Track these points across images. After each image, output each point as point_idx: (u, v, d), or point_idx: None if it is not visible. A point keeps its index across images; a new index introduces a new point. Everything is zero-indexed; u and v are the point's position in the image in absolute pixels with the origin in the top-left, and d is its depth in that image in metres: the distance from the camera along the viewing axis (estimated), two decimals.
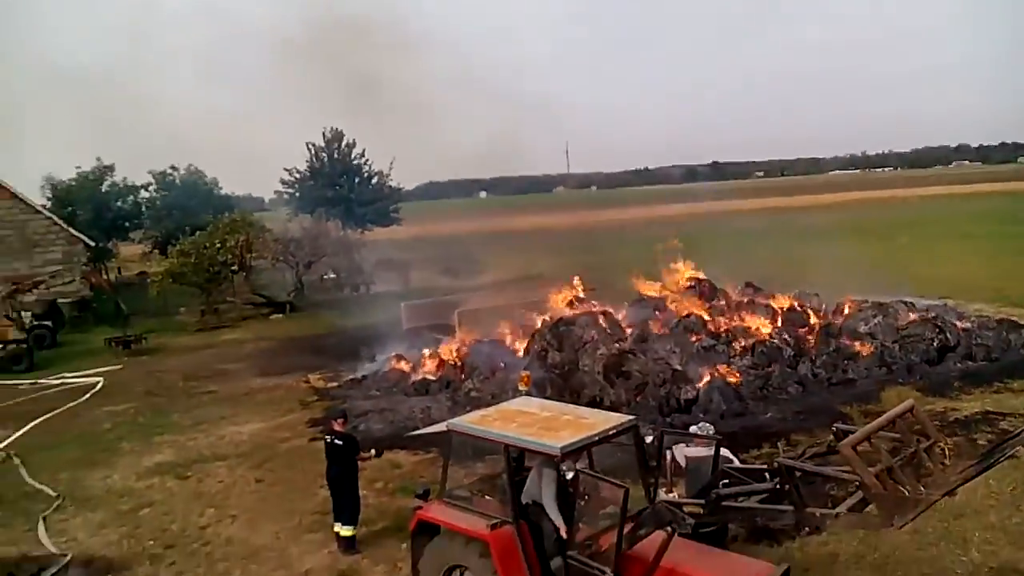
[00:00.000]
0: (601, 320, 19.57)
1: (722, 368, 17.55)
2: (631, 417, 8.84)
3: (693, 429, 10.01)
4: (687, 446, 9.62)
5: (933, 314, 21.14)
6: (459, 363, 20.14)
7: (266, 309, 35.86)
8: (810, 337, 20.07)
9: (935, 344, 19.53)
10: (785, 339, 19.41)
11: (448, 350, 21.10)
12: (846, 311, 21.93)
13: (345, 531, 11.13)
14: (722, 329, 19.96)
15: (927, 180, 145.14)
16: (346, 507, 11.17)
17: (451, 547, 8.40)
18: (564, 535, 7.85)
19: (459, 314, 25.13)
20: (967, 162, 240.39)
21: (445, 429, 9.06)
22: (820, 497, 7.85)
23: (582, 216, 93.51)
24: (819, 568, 9.76)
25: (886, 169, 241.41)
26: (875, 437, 6.73)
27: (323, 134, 50.47)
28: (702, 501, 7.57)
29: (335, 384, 21.12)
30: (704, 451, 9.31)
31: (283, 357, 25.48)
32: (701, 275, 23.71)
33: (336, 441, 11.29)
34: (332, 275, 41.37)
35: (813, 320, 21.15)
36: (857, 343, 19.74)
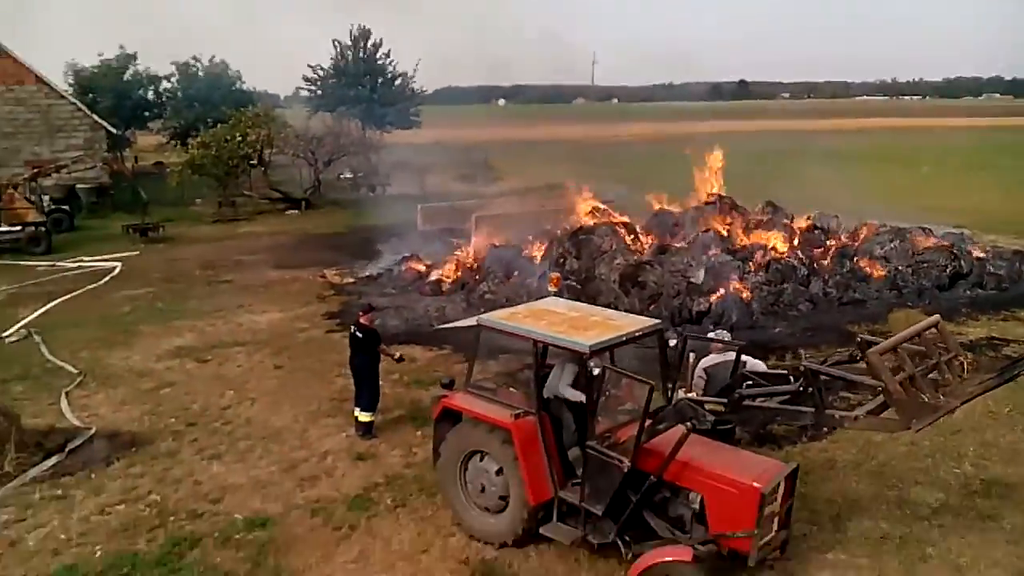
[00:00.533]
0: (621, 231, 19.61)
1: (736, 283, 17.70)
2: (657, 321, 9.06)
3: (712, 335, 10.22)
4: (708, 356, 9.84)
5: (949, 242, 21.12)
6: (475, 266, 20.34)
7: (282, 205, 35.99)
8: (825, 258, 20.14)
9: (948, 271, 19.61)
10: (800, 258, 19.49)
11: (465, 253, 21.29)
12: (863, 234, 21.91)
13: (364, 416, 11.52)
14: (739, 245, 20.04)
15: (956, 110, 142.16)
16: (365, 394, 11.55)
17: (473, 434, 8.72)
18: (583, 401, 8.18)
19: (476, 219, 25.24)
20: (997, 95, 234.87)
21: (475, 324, 9.26)
22: (837, 403, 8.05)
23: (602, 129, 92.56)
24: (818, 472, 10.10)
25: (915, 97, 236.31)
26: (899, 348, 6.91)
27: (350, 32, 49.66)
28: (724, 400, 7.79)
29: (351, 280, 21.40)
30: (721, 358, 9.56)
31: (299, 252, 25.74)
32: (723, 192, 23.61)
33: (357, 333, 11.62)
34: (350, 175, 41.32)
35: (830, 242, 21.17)
36: (871, 266, 19.84)
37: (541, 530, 8.42)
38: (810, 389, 7.40)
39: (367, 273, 21.82)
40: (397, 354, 12.39)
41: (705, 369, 9.73)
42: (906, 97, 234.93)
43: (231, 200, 35.16)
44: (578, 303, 10.40)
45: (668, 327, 15.77)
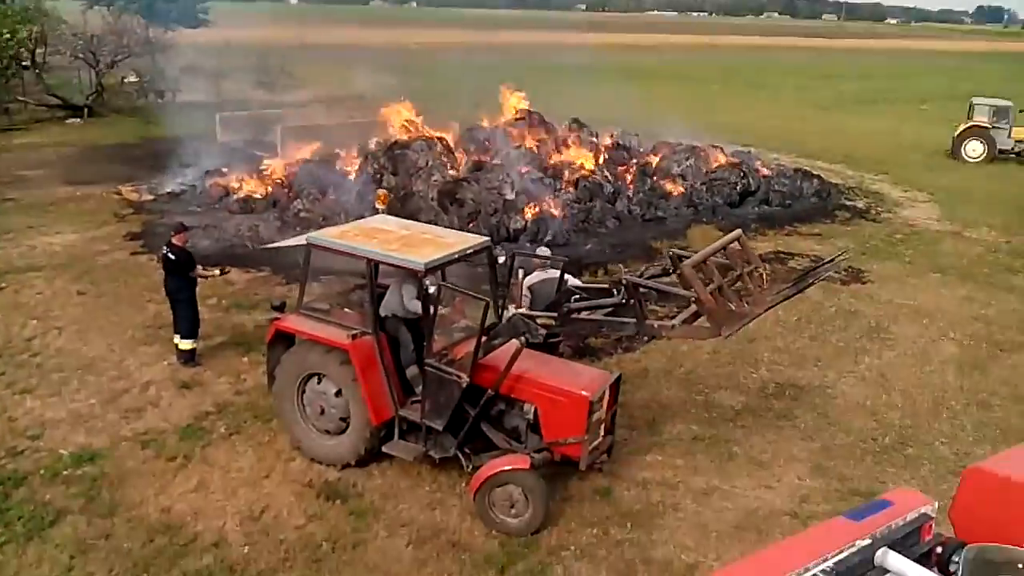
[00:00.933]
0: (437, 146, 19.65)
1: (549, 200, 18.34)
2: (486, 238, 9.35)
3: (541, 250, 10.69)
4: (532, 274, 10.28)
5: (738, 160, 22.82)
6: (287, 182, 19.77)
7: (61, 112, 32.78)
8: (628, 175, 21.21)
9: (738, 188, 21.24)
10: (607, 176, 20.43)
11: (274, 167, 20.60)
12: (661, 153, 23.18)
13: (184, 344, 11.16)
14: (550, 163, 20.68)
15: (741, 29, 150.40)
16: (184, 320, 11.17)
17: (310, 356, 8.71)
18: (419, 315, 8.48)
19: (282, 130, 24.37)
20: (776, 14, 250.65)
21: (304, 242, 9.10)
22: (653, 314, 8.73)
23: (403, 34, 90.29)
24: (633, 380, 10.97)
25: (703, 14, 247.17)
26: (708, 261, 7.59)
27: None
28: (554, 314, 8.21)
29: (150, 197, 20.11)
30: (544, 275, 10.05)
31: (88, 165, 23.78)
32: (530, 107, 24.08)
33: (170, 255, 11.13)
34: (135, 79, 38.15)
35: (632, 160, 22.27)
36: (669, 183, 21.13)
37: (384, 448, 8.67)
38: (631, 301, 8.00)
39: (168, 189, 20.58)
40: (215, 271, 12.01)
41: (530, 287, 10.20)
42: (694, 13, 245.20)
43: (3, 107, 31.60)
44: (408, 221, 10.41)
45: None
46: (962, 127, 30.15)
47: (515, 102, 23.97)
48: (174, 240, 11.28)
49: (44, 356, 11.31)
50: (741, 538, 8.02)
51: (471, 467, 8.33)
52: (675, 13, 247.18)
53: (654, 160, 22.60)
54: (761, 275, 8.04)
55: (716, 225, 19.15)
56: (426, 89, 32.44)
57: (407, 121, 22.06)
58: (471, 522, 8.12)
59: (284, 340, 9.09)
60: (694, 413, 10.37)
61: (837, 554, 3.03)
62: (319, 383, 8.79)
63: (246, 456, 9.06)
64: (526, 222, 17.31)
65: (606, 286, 9.24)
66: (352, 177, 19.30)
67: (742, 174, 21.54)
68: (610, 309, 8.31)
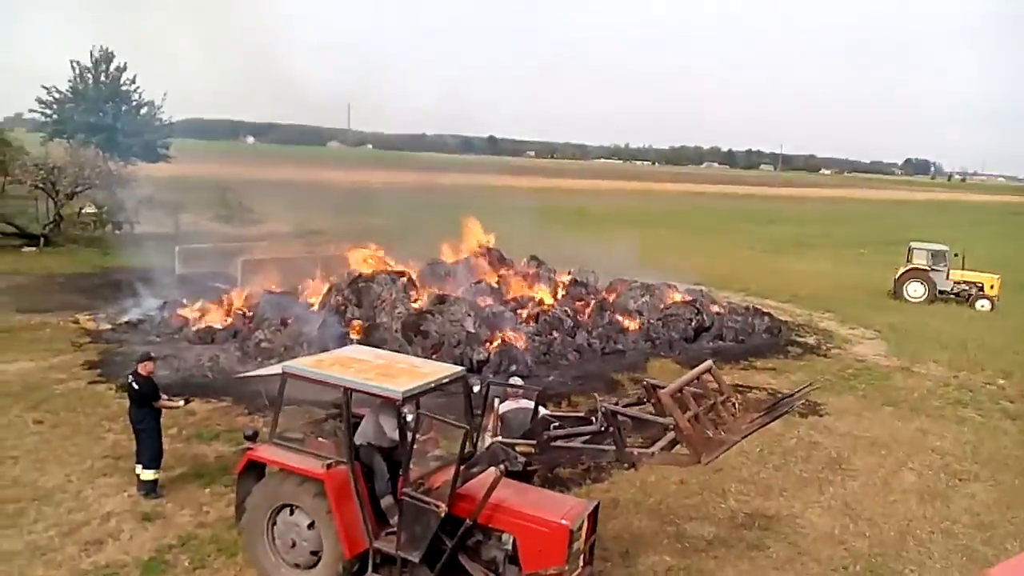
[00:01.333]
0: (400, 279, 19.96)
1: (510, 333, 18.61)
2: (461, 368, 9.46)
3: (513, 380, 10.80)
4: (505, 402, 10.35)
5: (692, 297, 23.51)
6: (247, 313, 19.78)
7: (17, 241, 32.67)
8: (587, 311, 21.66)
9: (692, 324, 21.79)
10: (566, 311, 20.84)
11: (235, 299, 20.64)
12: (618, 290, 23.83)
13: (147, 474, 10.90)
14: (510, 297, 21.09)
15: (681, 177, 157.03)
16: (146, 450, 10.95)
17: (283, 487, 8.57)
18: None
19: (243, 263, 24.57)
20: (716, 164, 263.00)
21: (279, 372, 9.10)
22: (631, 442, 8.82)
23: (361, 174, 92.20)
24: (604, 510, 10.80)
25: (645, 162, 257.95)
26: (684, 390, 7.80)
27: (91, 53, 46.27)
28: (533, 442, 8.21)
29: (109, 327, 19.91)
30: (516, 404, 10.13)
31: (44, 294, 23.53)
32: (490, 244, 24.71)
33: (135, 384, 11.03)
34: (93, 210, 38.29)
35: (589, 296, 22.81)
36: (627, 319, 21.62)
37: None
38: (610, 428, 8.08)
39: (127, 319, 20.41)
40: (180, 401, 11.81)
41: (502, 415, 10.25)
42: (637, 162, 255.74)
43: None
44: (381, 351, 10.54)
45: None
46: (902, 269, 31.61)
47: (477, 236, 24.59)
48: (139, 369, 11.20)
49: None
50: None
51: None
52: (619, 161, 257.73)
53: (611, 296, 23.16)
54: (734, 403, 8.26)
55: (674, 359, 19.56)
56: (382, 226, 33.16)
57: (370, 256, 22.46)
58: None
59: (255, 470, 8.95)
60: (667, 544, 10.32)
61: None
62: (291, 514, 8.61)
63: None
64: (489, 354, 17.47)
65: (582, 414, 9.35)
66: (315, 309, 19.42)
67: (696, 311, 22.17)
68: (587, 437, 8.39)
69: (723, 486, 12.10)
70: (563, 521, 7.94)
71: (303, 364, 9.12)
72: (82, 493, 10.81)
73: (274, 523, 8.71)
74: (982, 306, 30.10)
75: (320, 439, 9.18)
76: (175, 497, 10.91)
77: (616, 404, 8.64)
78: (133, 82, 47.48)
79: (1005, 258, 42.35)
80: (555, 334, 19.48)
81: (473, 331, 17.93)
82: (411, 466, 8.39)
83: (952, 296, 31.10)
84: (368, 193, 67.61)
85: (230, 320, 19.64)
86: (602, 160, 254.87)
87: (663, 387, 7.96)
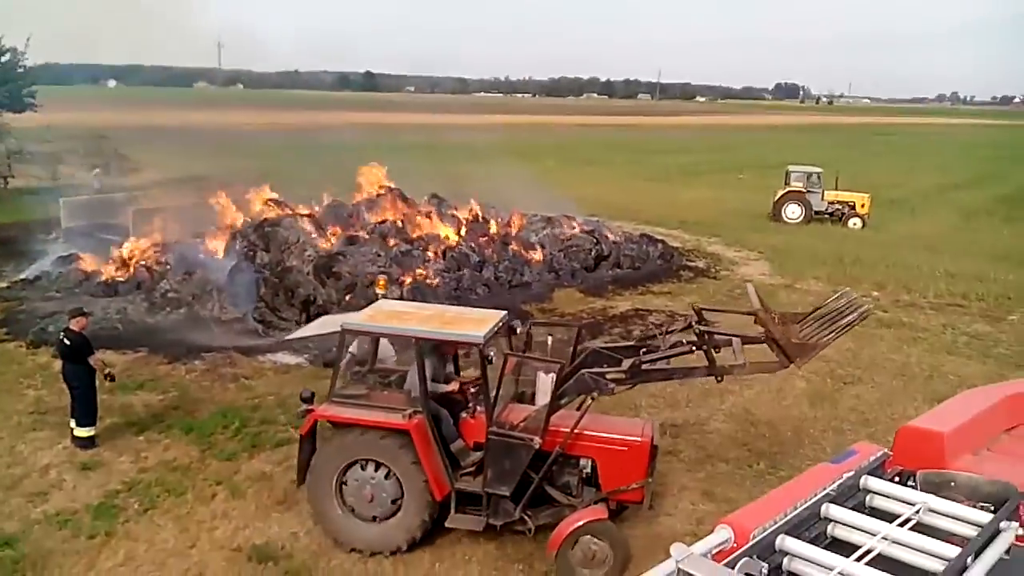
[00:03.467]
0: (306, 222, 20.00)
1: (420, 271, 19.04)
2: (504, 311, 9.56)
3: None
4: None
5: (590, 228, 24.42)
6: (151, 263, 19.47)
7: None
8: (490, 245, 22.25)
9: (592, 253, 22.73)
10: (471, 246, 21.40)
11: (137, 249, 20.23)
12: (518, 223, 24.48)
13: (81, 431, 10.90)
14: (415, 236, 21.44)
15: (563, 109, 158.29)
16: (80, 407, 10.94)
17: (359, 442, 8.58)
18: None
19: (135, 213, 23.93)
20: (595, 95, 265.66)
21: (334, 330, 9.09)
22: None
23: (236, 116, 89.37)
24: None
25: (526, 95, 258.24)
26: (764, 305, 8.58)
27: None
28: (624, 369, 8.40)
29: (4, 284, 19.27)
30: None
31: None
32: (391, 184, 24.84)
33: (66, 340, 10.98)
34: None
35: (493, 230, 23.39)
36: (530, 251, 22.35)
37: (448, 523, 8.66)
38: (703, 347, 8.63)
39: (23, 276, 19.77)
40: (108, 370, 11.50)
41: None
42: (518, 95, 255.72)
43: None
44: (410, 303, 10.48)
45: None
46: (780, 192, 33.43)
47: (376, 178, 24.65)
48: (71, 325, 11.12)
49: None
50: (653, 560, 8.78)
51: (531, 529, 8.52)
52: (500, 95, 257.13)
53: (512, 231, 23.80)
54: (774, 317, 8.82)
55: (577, 288, 20.47)
56: (272, 169, 32.62)
57: (270, 200, 22.28)
58: (405, 570, 8.50)
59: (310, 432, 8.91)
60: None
61: (831, 484, 3.96)
62: (364, 469, 8.65)
63: (168, 528, 9.06)
64: (402, 292, 17.88)
65: (632, 343, 9.63)
66: (220, 255, 19.30)
67: (595, 241, 23.10)
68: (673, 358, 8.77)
69: (634, 401, 12.97)
70: (644, 439, 8.53)
71: (360, 320, 9.15)
72: (15, 448, 10.79)
73: (343, 482, 8.73)
74: (854, 224, 32.25)
75: (385, 392, 9.14)
76: (111, 446, 11.03)
77: (670, 330, 9.19)
78: None
79: (873, 177, 45.17)
80: (463, 270, 20.01)
81: (385, 270, 18.27)
82: (478, 406, 8.82)
83: (827, 216, 33.15)
84: (246, 135, 65.86)
85: (132, 272, 19.28)
86: (483, 94, 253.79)
87: (709, 309, 8.95)
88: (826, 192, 33.42)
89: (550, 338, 10.20)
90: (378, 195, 23.83)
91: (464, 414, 9.10)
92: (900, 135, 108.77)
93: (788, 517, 3.71)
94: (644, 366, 8.45)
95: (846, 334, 8.99)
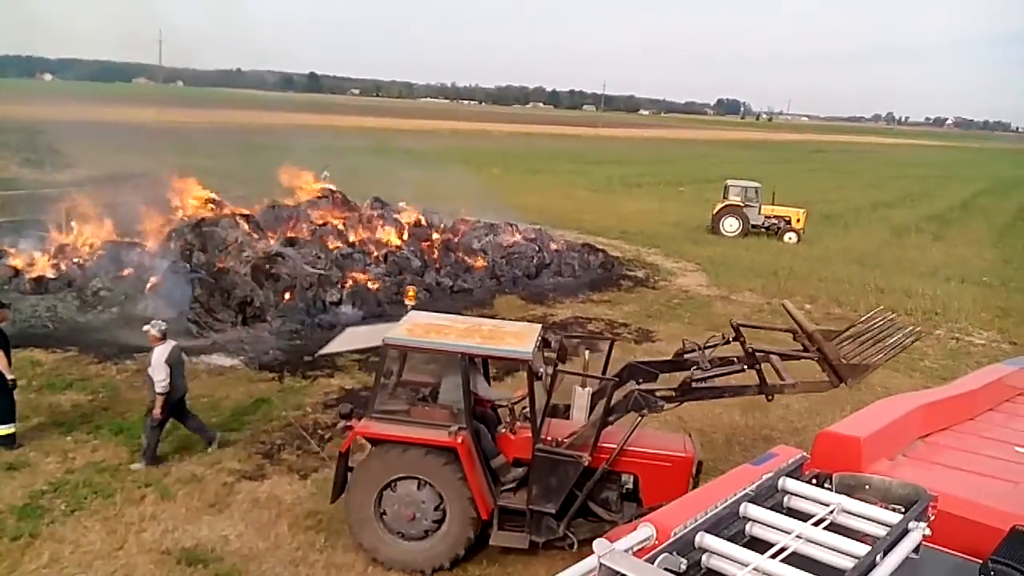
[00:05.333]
0: (244, 223, 19.77)
1: (360, 274, 18.96)
2: (539, 325, 9.56)
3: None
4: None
5: (532, 235, 24.60)
6: (82, 260, 19.03)
7: None
8: (433, 250, 22.27)
9: (534, 261, 22.91)
10: (413, 251, 21.39)
11: (68, 247, 19.75)
12: (461, 229, 24.56)
13: (2, 429, 10.62)
14: (357, 239, 21.35)
15: (509, 117, 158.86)
16: None
17: (402, 459, 8.39)
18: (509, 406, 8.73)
19: (68, 209, 23.36)
20: (541, 104, 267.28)
21: (375, 344, 9.06)
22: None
23: (174, 113, 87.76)
24: None
25: (472, 102, 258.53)
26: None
27: None
28: (673, 387, 8.42)
29: None
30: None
31: None
32: (332, 186, 24.72)
33: None
34: None
35: (435, 235, 23.41)
36: (472, 257, 22.41)
37: (492, 541, 8.54)
38: (754, 366, 8.60)
39: None
40: (11, 377, 10.72)
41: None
42: (464, 101, 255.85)
43: None
44: (442, 315, 10.14)
45: (305, 318, 16.69)
46: (719, 206, 34.10)
47: (318, 181, 24.51)
48: None
49: None
50: None
51: (573, 544, 8.42)
52: (446, 100, 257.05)
53: (456, 236, 23.84)
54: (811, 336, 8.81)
55: (519, 295, 20.60)
56: (210, 168, 32.22)
57: (208, 200, 21.98)
58: (335, 574, 8.48)
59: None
60: None
61: (751, 485, 4.11)
62: (405, 487, 8.45)
63: (94, 530, 8.88)
64: (341, 295, 17.78)
65: (670, 359, 9.53)
66: (153, 254, 18.93)
67: (537, 248, 23.29)
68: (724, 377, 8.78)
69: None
70: (686, 454, 8.49)
71: (401, 335, 8.78)
72: None
73: (380, 499, 8.51)
74: (789, 238, 33.03)
75: (425, 407, 8.83)
76: (37, 447, 10.74)
77: (707, 346, 9.08)
78: None
79: (809, 193, 46.34)
80: (404, 274, 19.99)
81: (324, 272, 18.16)
82: (519, 421, 8.73)
83: (763, 230, 33.88)
84: (185, 133, 64.68)
85: (64, 269, 18.81)
86: (428, 99, 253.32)
87: (746, 326, 8.97)
88: (763, 206, 34.18)
89: (587, 353, 10.16)
90: (319, 197, 23.69)
91: (502, 429, 8.92)
92: (836, 152, 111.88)
93: (708, 515, 3.84)
94: (695, 384, 8.40)
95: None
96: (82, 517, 9.12)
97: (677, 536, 3.60)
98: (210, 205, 21.54)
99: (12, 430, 10.73)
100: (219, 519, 9.30)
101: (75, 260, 19.03)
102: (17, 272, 18.67)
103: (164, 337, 10.43)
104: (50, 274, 18.63)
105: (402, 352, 8.87)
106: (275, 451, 11.15)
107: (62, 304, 17.16)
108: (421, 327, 8.99)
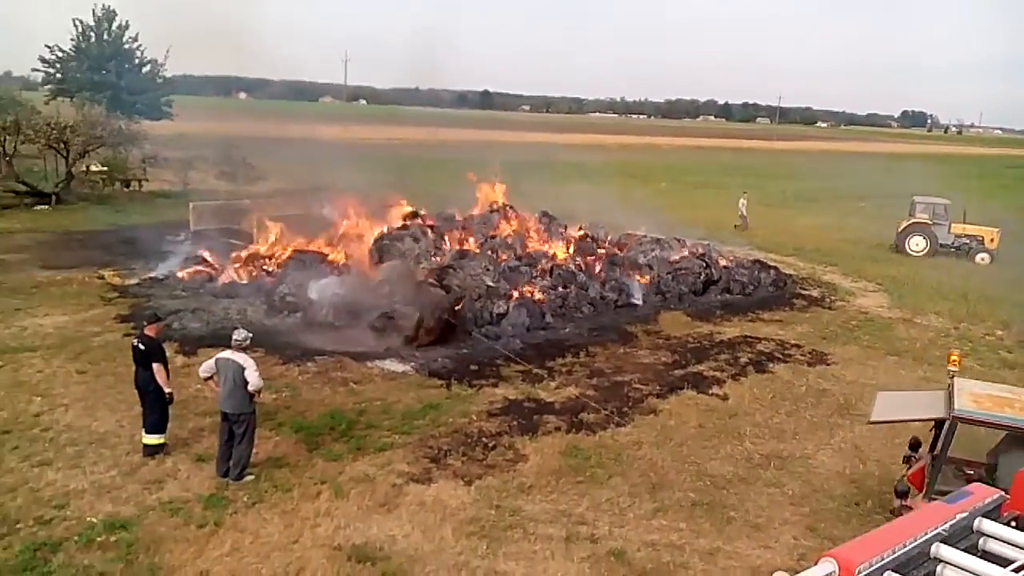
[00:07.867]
0: (428, 234, 20.50)
1: (527, 287, 19.18)
2: None
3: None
4: None
5: (700, 251, 24.08)
6: (272, 268, 20.30)
7: (29, 199, 32.94)
8: (598, 264, 22.23)
9: (701, 277, 22.39)
10: (579, 264, 21.43)
11: (260, 254, 21.16)
12: (627, 244, 24.38)
13: (149, 439, 10.91)
14: (525, 252, 21.63)
15: (679, 130, 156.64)
16: (151, 414, 10.97)
17: None
18: None
19: (259, 219, 24.99)
20: (712, 117, 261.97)
21: (945, 417, 8.69)
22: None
23: (359, 130, 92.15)
24: (629, 450, 11.64)
25: (641, 116, 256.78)
26: None
27: (93, 11, 46.25)
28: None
29: (134, 282, 20.41)
30: None
31: (65, 251, 23.98)
32: (505, 200, 25.20)
33: (140, 346, 11.01)
34: (103, 168, 38.59)
35: (600, 250, 23.36)
36: (637, 273, 22.19)
37: None
38: None
39: (152, 274, 20.92)
40: (169, 390, 11.10)
41: None
42: (633, 116, 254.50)
43: None
44: (993, 384, 9.81)
45: (472, 328, 17.06)
46: (905, 223, 32.15)
47: (493, 194, 25.08)
48: (147, 331, 11.16)
49: (55, 431, 11.51)
50: None
51: None
52: (615, 115, 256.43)
53: (621, 251, 23.70)
54: None
55: (684, 311, 20.18)
56: (390, 182, 33.55)
57: (407, 214, 23.02)
58: None
59: None
60: (690, 482, 11.02)
61: (944, 524, 3.84)
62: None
63: (273, 523, 9.40)
64: (507, 307, 18.04)
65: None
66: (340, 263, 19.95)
67: (704, 264, 22.75)
68: None
69: (739, 430, 12.77)
70: None
71: (972, 408, 8.51)
72: (135, 437, 11.30)
73: None
74: (982, 259, 30.73)
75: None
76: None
77: None
78: (135, 40, 47.53)
79: (1004, 211, 42.89)
80: (569, 288, 20.05)
81: (492, 285, 18.49)
82: None
83: (953, 249, 31.70)
84: (369, 148, 67.73)
85: (253, 275, 20.15)
86: (598, 114, 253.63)
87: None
88: (953, 224, 31.97)
89: None
90: (491, 211, 24.19)
91: None
92: None
93: (896, 554, 3.60)
94: None
95: None
96: (262, 509, 9.69)
97: (861, 574, 3.38)
98: (404, 218, 22.52)
99: (162, 440, 11.09)
100: (388, 519, 9.63)
101: (265, 267, 20.31)
102: (210, 277, 20.19)
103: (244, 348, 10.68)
104: (240, 280, 20.01)
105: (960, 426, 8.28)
106: (442, 456, 11.43)
107: (251, 308, 18.37)
108: (991, 400, 8.49)
